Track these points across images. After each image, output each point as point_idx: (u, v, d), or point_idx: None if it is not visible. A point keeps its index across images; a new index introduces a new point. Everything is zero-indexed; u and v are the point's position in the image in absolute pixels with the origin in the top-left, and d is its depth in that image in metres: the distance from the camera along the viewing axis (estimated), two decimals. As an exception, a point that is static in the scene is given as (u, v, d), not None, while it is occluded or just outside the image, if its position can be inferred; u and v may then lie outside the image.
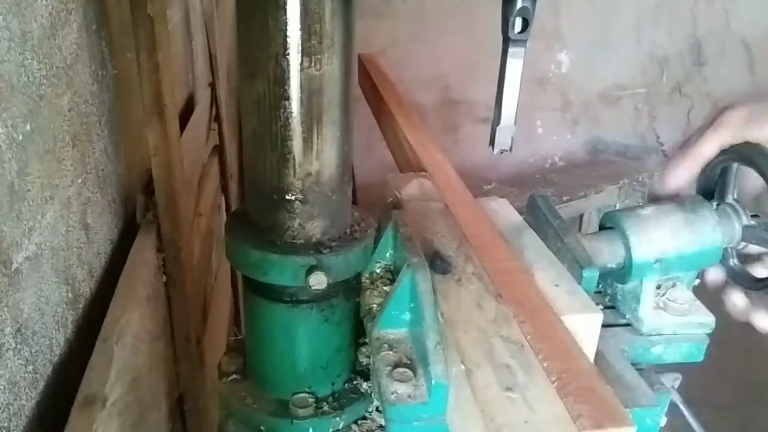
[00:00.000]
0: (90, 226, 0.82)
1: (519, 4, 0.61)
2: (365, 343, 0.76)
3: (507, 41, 0.64)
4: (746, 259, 0.82)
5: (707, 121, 0.82)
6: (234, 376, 0.76)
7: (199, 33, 1.64)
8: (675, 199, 0.81)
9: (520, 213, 0.84)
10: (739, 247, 0.79)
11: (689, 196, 0.81)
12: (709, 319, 0.77)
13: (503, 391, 0.51)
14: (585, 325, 0.63)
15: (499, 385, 0.51)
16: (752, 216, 0.78)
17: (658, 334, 0.77)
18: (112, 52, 0.93)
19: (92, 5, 0.85)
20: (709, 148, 0.79)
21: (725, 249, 0.78)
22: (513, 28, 0.62)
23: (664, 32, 3.95)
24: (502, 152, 0.69)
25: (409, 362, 0.61)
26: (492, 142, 0.68)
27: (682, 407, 0.80)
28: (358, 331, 0.75)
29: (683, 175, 0.82)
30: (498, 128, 0.68)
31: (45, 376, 0.67)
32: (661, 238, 0.75)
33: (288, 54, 0.58)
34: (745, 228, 0.77)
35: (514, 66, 0.65)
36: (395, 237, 0.73)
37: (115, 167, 0.94)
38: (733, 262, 0.82)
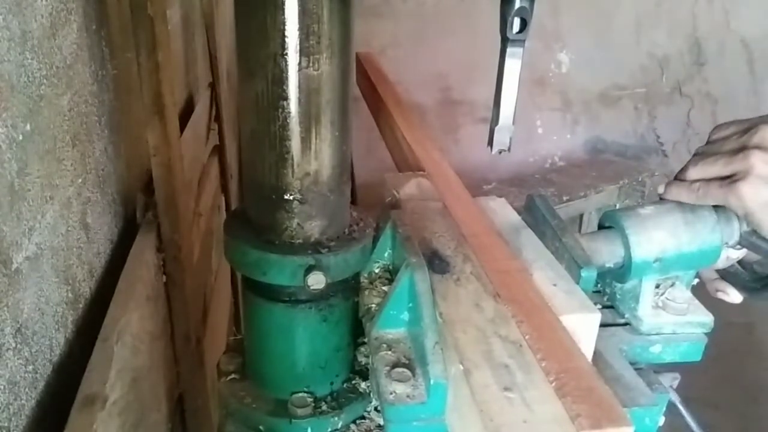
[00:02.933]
0: (90, 226, 0.82)
1: (517, 4, 0.61)
2: (364, 343, 0.76)
3: (505, 41, 0.64)
4: None
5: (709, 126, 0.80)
6: (233, 376, 0.76)
7: (199, 33, 1.64)
8: None
9: (520, 213, 0.84)
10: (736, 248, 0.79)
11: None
12: (707, 319, 0.78)
13: (502, 391, 0.51)
14: (583, 325, 0.63)
15: (497, 385, 0.52)
16: None
17: (657, 334, 0.77)
18: (112, 52, 0.93)
19: (92, 5, 0.85)
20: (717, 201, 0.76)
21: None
22: (511, 28, 0.62)
23: (664, 32, 3.95)
24: (500, 152, 0.69)
25: (407, 362, 0.62)
26: (490, 142, 0.69)
27: (680, 407, 0.80)
28: (357, 331, 0.75)
29: (684, 197, 0.79)
30: (496, 128, 0.68)
31: (45, 376, 0.67)
32: (660, 238, 0.75)
33: (286, 54, 0.58)
34: (741, 234, 0.77)
35: (513, 66, 0.65)
36: (394, 237, 0.73)
37: (115, 167, 0.95)
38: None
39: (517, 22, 0.62)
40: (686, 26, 3.98)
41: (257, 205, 0.67)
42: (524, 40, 0.64)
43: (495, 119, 0.67)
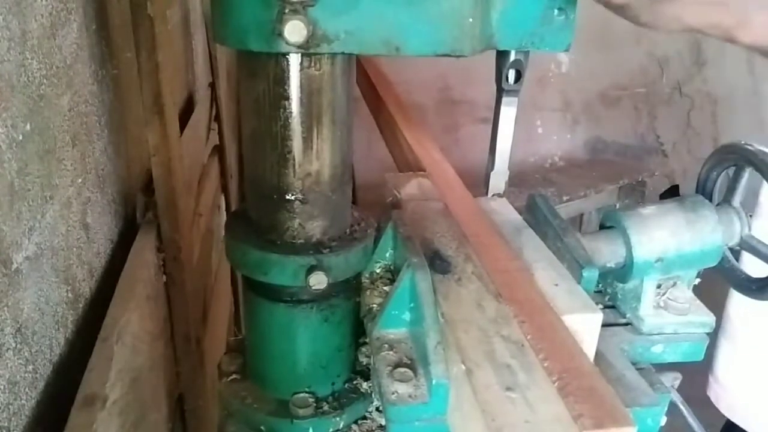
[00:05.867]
0: (90, 226, 0.82)
1: (512, 57, 0.63)
2: (365, 343, 0.76)
3: (501, 91, 0.65)
4: None
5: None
6: (234, 376, 0.76)
7: (199, 33, 1.64)
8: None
9: (521, 213, 0.84)
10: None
11: (690, 195, 0.81)
12: (709, 319, 0.77)
13: (504, 391, 0.51)
14: (585, 325, 0.63)
15: (499, 385, 0.51)
16: (751, 216, 0.78)
17: (659, 334, 0.77)
18: (112, 52, 0.93)
19: (92, 5, 0.85)
20: None
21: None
22: (507, 79, 0.64)
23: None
24: (500, 196, 0.71)
25: (409, 362, 0.61)
26: (486, 186, 0.70)
27: (681, 407, 0.80)
28: (358, 331, 0.74)
29: None
30: (492, 173, 0.69)
31: (45, 376, 0.67)
32: (662, 237, 0.75)
33: (288, 54, 0.58)
34: (742, 238, 0.77)
35: (508, 115, 0.67)
36: (395, 237, 0.73)
37: (115, 167, 0.94)
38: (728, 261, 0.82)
39: (512, 74, 0.64)
40: (686, 26, 3.97)
41: (259, 206, 0.67)
42: (519, 91, 0.65)
43: (491, 165, 0.69)
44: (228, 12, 0.56)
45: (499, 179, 0.69)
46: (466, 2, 0.56)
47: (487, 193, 0.69)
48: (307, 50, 0.55)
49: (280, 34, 0.52)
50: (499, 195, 0.69)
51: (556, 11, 0.59)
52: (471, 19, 0.56)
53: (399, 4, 0.54)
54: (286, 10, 0.52)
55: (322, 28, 0.54)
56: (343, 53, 0.59)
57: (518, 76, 0.64)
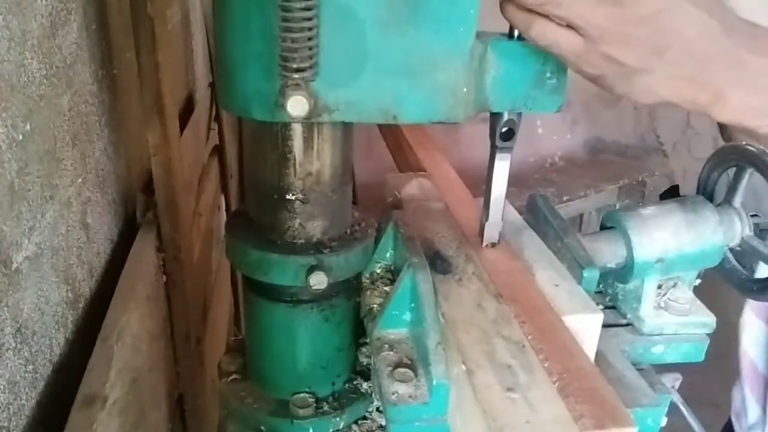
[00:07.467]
0: (90, 226, 0.82)
1: (505, 117, 0.65)
2: (366, 343, 0.76)
3: (494, 148, 0.67)
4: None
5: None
6: (234, 376, 0.76)
7: (199, 33, 1.64)
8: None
9: (521, 213, 0.84)
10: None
11: (691, 195, 0.81)
12: (709, 319, 0.77)
13: (504, 392, 0.51)
14: (585, 325, 0.63)
15: (500, 386, 0.51)
16: (752, 216, 0.78)
17: (659, 334, 0.77)
18: (112, 52, 0.93)
19: (92, 5, 0.85)
20: None
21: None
22: (500, 138, 0.65)
23: (664, 32, 3.94)
24: (493, 245, 0.73)
25: (409, 362, 0.61)
26: (481, 234, 0.73)
27: (682, 408, 0.80)
28: (359, 331, 0.74)
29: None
30: (486, 224, 0.72)
31: (45, 376, 0.67)
32: (662, 238, 0.75)
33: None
34: (743, 238, 0.77)
35: (501, 169, 0.70)
36: (395, 237, 0.73)
37: (115, 167, 0.94)
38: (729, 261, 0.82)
39: (504, 132, 0.65)
40: (686, 26, 3.96)
41: (259, 205, 0.67)
42: (512, 147, 0.67)
43: (485, 216, 0.72)
44: (232, 82, 0.57)
45: (493, 229, 0.72)
46: (460, 73, 0.57)
47: (482, 243, 0.72)
48: (308, 120, 0.56)
49: (283, 107, 0.53)
50: (493, 244, 0.72)
51: (547, 75, 0.61)
52: (465, 89, 0.58)
53: (397, 76, 0.56)
54: (289, 84, 0.53)
55: (323, 99, 0.55)
56: (343, 122, 0.61)
57: (511, 134, 0.65)
